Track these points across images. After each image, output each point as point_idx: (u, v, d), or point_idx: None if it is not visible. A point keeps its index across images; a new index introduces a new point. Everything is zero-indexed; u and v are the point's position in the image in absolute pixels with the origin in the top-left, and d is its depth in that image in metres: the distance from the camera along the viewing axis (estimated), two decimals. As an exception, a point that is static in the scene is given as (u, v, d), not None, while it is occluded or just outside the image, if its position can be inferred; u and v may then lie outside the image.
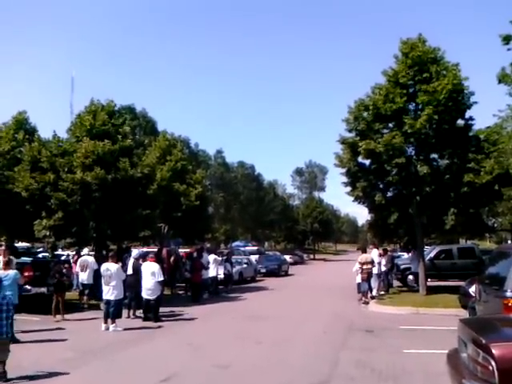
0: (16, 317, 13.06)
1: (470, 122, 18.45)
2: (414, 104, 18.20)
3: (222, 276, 21.89)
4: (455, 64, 17.83)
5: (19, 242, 27.83)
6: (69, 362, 8.81)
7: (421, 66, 17.80)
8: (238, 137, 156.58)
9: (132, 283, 14.17)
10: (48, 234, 17.81)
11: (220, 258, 22.59)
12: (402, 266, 22.40)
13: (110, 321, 12.38)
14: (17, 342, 10.15)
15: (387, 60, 19.09)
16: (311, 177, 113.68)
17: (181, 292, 21.31)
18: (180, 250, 25.06)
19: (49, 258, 16.37)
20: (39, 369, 8.18)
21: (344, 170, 19.36)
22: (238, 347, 10.27)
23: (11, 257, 12.19)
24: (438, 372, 6.83)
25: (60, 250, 25.24)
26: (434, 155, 18.60)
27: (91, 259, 16.89)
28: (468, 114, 18.29)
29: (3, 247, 12.39)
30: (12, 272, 11.00)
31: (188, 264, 20.74)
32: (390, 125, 18.29)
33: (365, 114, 18.40)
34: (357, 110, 18.53)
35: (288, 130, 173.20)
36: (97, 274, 16.51)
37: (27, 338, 10.93)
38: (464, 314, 11.72)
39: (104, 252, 19.18)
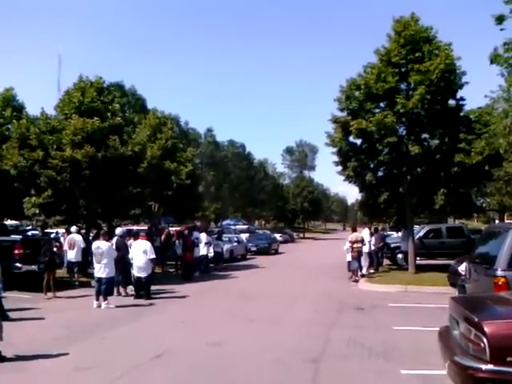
0: (7, 294, 13.12)
1: (461, 102, 18.52)
2: (405, 83, 18.17)
3: (212, 254, 21.89)
4: (448, 44, 17.78)
5: (8, 219, 27.65)
6: (61, 340, 8.83)
7: (413, 45, 17.71)
8: (228, 115, 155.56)
9: (117, 261, 14.12)
10: (37, 211, 17.63)
11: (210, 237, 22.67)
12: (392, 245, 22.65)
13: (101, 298, 12.41)
14: (7, 319, 10.13)
15: (380, 39, 18.98)
16: (301, 156, 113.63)
17: (171, 270, 21.37)
18: (171, 229, 25.07)
19: (39, 236, 16.26)
20: (32, 347, 8.20)
21: (335, 150, 19.38)
22: (230, 325, 10.34)
23: None
24: (428, 349, 6.95)
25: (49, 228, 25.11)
26: (426, 135, 18.66)
27: (78, 237, 16.87)
28: (459, 94, 18.38)
29: None
30: None
31: (179, 242, 20.77)
32: (382, 104, 18.28)
33: (356, 94, 18.34)
34: (349, 89, 18.46)
35: (279, 109, 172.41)
36: (85, 252, 16.55)
37: (19, 316, 10.90)
38: (453, 291, 11.88)
39: (94, 230, 19.14)
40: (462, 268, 11.78)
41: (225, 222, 52.11)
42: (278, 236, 45.72)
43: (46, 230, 17.77)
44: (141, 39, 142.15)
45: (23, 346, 8.20)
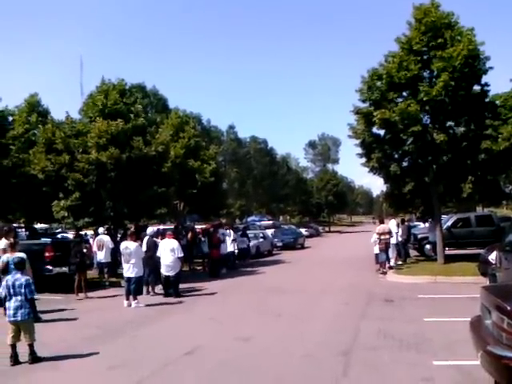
0: (39, 296, 13.43)
1: (486, 87, 18.09)
2: (428, 71, 17.85)
3: (236, 251, 22.07)
4: (470, 29, 17.38)
5: (38, 223, 28.25)
6: (93, 339, 9.00)
7: (435, 31, 17.39)
8: (249, 112, 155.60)
9: (147, 260, 14.34)
10: (66, 214, 17.98)
11: (236, 234, 22.78)
12: (419, 236, 22.31)
13: (131, 298, 12.59)
14: (39, 321, 10.37)
15: (400, 27, 18.71)
16: (324, 149, 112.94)
17: (198, 268, 21.54)
18: (196, 226, 25.26)
19: (74, 239, 16.59)
20: (65, 346, 8.38)
21: (358, 141, 19.18)
22: (258, 320, 10.37)
23: (17, 239, 11.99)
24: (460, 339, 6.85)
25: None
26: (450, 123, 18.31)
27: (107, 238, 17.10)
28: (484, 79, 17.95)
29: (6, 229, 12.34)
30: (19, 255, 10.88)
31: (205, 240, 20.91)
32: (405, 93, 18.02)
33: (378, 84, 18.12)
34: (370, 79, 18.24)
35: (300, 103, 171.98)
36: (114, 252, 16.80)
37: (51, 317, 11.17)
38: (483, 281, 11.71)
39: (121, 231, 19.41)
40: (493, 257, 11.61)
41: (250, 219, 52.20)
42: (303, 230, 45.64)
43: (80, 232, 18.03)
44: (161, 40, 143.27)
45: (56, 345, 8.40)
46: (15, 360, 7.36)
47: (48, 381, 6.72)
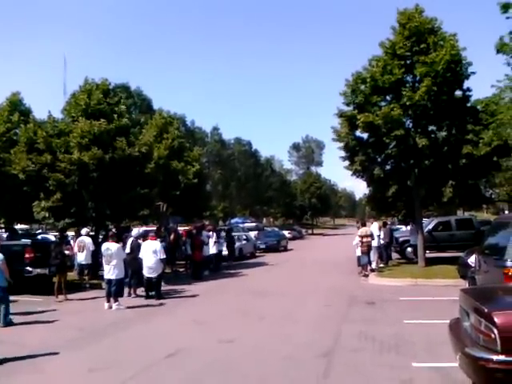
0: (19, 298, 13.30)
1: (467, 92, 18.41)
2: (411, 76, 18.10)
3: (226, 252, 22.41)
4: (453, 34, 17.68)
5: (18, 224, 27.86)
6: (74, 342, 8.91)
7: (418, 36, 17.64)
8: (234, 113, 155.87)
9: (130, 262, 14.25)
10: (47, 215, 17.76)
11: (219, 236, 22.79)
12: (401, 239, 22.55)
13: (112, 300, 12.47)
14: (11, 324, 10.28)
15: (384, 32, 18.91)
16: (308, 152, 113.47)
17: (181, 270, 21.44)
18: (179, 228, 25.15)
19: (57, 239, 16.42)
20: (46, 349, 8.27)
21: (342, 144, 19.34)
22: (241, 323, 10.36)
23: None
24: (440, 341, 6.95)
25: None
26: (433, 127, 18.57)
27: (88, 240, 16.92)
28: (466, 84, 18.27)
29: None
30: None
31: (188, 242, 20.82)
32: (388, 97, 18.23)
33: (362, 87, 18.28)
34: (354, 82, 18.40)
35: (284, 106, 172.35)
36: (95, 254, 16.64)
37: (31, 319, 11.04)
38: (463, 284, 11.84)
39: (103, 232, 19.24)
40: (472, 260, 11.74)
41: (233, 221, 52.15)
42: (286, 233, 45.75)
43: (64, 233, 17.83)
44: (144, 40, 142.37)
45: (37, 348, 8.29)
46: None
47: (28, 383, 6.62)
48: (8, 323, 10.36)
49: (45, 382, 6.72)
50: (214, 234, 21.48)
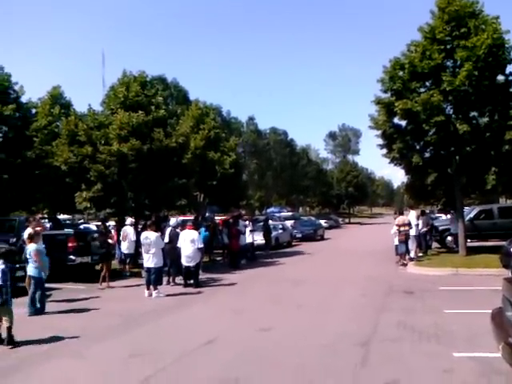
0: (63, 286, 13.79)
1: (510, 77, 17.71)
2: (451, 61, 17.58)
3: (263, 241, 22.81)
4: (495, 17, 17.04)
5: (61, 214, 28.76)
6: (115, 328, 9.18)
7: (458, 20, 17.11)
8: (269, 103, 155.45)
9: (169, 251, 14.49)
10: (89, 205, 18.26)
11: (255, 225, 22.97)
12: (441, 228, 22.09)
13: (152, 287, 12.73)
14: (41, 313, 10.57)
15: (423, 16, 18.44)
16: (345, 140, 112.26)
17: (218, 259, 21.68)
18: (216, 218, 25.40)
19: (101, 229, 16.94)
20: (87, 335, 8.57)
21: (379, 132, 19.00)
22: (278, 311, 10.41)
23: (37, 228, 12.08)
24: (481, 331, 6.80)
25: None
26: (474, 113, 17.99)
27: (130, 229, 17.31)
28: (509, 69, 17.59)
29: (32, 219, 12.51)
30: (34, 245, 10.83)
31: (224, 231, 21.02)
32: (427, 83, 17.76)
33: (400, 73, 17.89)
34: (392, 69, 18.01)
35: (320, 94, 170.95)
36: (136, 243, 17.02)
37: (74, 306, 11.41)
38: (505, 273, 11.55)
39: (143, 221, 19.63)
40: (516, 249, 11.43)
41: (269, 210, 52.23)
42: (323, 222, 45.43)
43: (107, 223, 18.32)
44: (180, 32, 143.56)
45: (79, 333, 8.58)
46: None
47: (71, 368, 6.85)
48: (38, 311, 10.58)
49: (86, 366, 6.93)
50: (251, 224, 21.60)
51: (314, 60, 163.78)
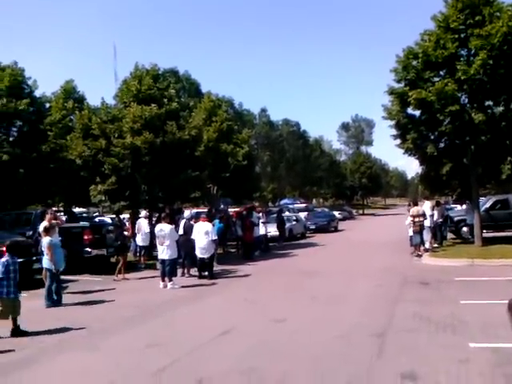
0: (79, 278, 13.98)
1: (527, 65, 17.41)
2: (466, 49, 17.32)
3: (276, 233, 23.02)
4: (510, 4, 16.74)
5: (76, 207, 29.05)
6: (131, 319, 9.28)
7: (472, 8, 16.83)
8: (281, 94, 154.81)
9: (184, 243, 14.57)
10: (103, 198, 18.42)
11: (268, 217, 23.03)
12: (456, 218, 21.92)
13: (166, 279, 12.84)
14: (59, 305, 10.69)
15: (436, 5, 18.18)
16: (358, 131, 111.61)
17: (232, 250, 21.76)
18: (229, 210, 25.47)
19: (117, 222, 17.10)
20: (104, 326, 8.68)
21: (393, 123, 18.83)
22: (292, 302, 10.43)
23: (54, 221, 12.10)
24: (498, 322, 6.76)
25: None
26: (489, 102, 17.74)
27: (145, 222, 17.44)
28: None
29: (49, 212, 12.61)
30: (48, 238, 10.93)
31: (238, 223, 21.07)
32: (442, 72, 17.54)
33: (414, 63, 17.69)
34: (405, 58, 17.81)
35: (332, 85, 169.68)
36: (150, 236, 17.15)
37: (90, 298, 11.54)
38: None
39: (157, 214, 19.76)
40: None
41: (282, 202, 52.18)
42: (336, 213, 45.28)
43: (121, 216, 18.47)
44: (191, 24, 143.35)
45: (95, 324, 8.70)
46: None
47: (87, 358, 6.94)
48: (56, 303, 10.70)
49: (102, 356, 7.01)
50: (264, 215, 21.62)
51: (327, 50, 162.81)
